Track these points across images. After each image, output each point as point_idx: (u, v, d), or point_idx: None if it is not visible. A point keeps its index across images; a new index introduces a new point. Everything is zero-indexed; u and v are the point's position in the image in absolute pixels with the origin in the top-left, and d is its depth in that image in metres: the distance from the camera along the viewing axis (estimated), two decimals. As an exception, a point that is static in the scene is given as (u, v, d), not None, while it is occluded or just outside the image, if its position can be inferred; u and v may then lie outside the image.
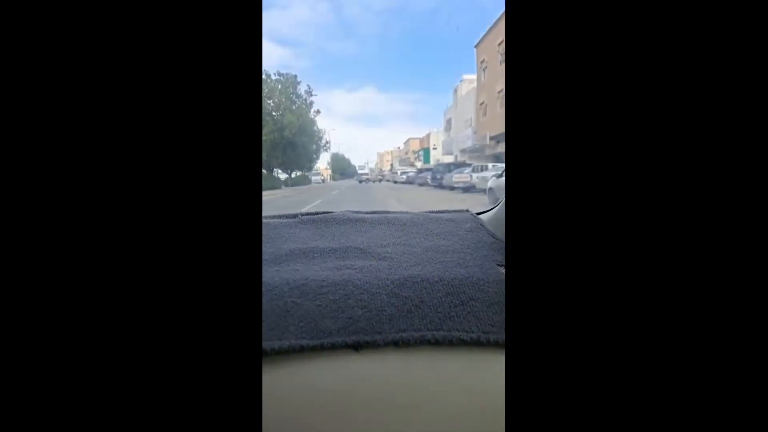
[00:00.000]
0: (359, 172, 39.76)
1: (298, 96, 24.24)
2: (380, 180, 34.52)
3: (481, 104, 21.30)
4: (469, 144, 23.74)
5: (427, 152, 43.13)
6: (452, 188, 13.33)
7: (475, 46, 22.32)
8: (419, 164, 42.67)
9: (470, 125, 23.65)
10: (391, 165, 69.68)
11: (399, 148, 75.26)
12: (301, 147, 24.63)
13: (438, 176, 16.06)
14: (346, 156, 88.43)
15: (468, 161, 18.09)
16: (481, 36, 21.48)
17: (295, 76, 24.18)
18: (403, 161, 58.97)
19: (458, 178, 13.03)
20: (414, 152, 51.56)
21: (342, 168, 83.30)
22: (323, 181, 35.13)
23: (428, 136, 43.66)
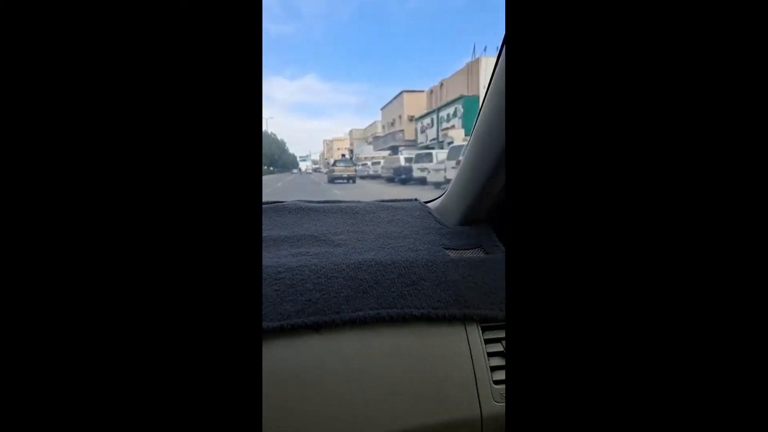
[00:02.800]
0: (338, 160, 21.44)
1: None
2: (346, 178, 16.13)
3: None
4: None
5: (471, 103, 17.77)
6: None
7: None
8: (457, 134, 17.32)
9: None
10: (350, 151, 44.83)
11: (351, 131, 50.34)
12: None
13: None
14: (280, 138, 59.91)
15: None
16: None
17: None
18: (378, 141, 33.53)
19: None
20: (414, 119, 25.77)
21: (272, 156, 57.14)
22: None
23: (473, 65, 18.73)
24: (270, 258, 0.50)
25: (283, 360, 0.38)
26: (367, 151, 36.47)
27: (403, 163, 14.35)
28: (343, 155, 31.73)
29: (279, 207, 0.70)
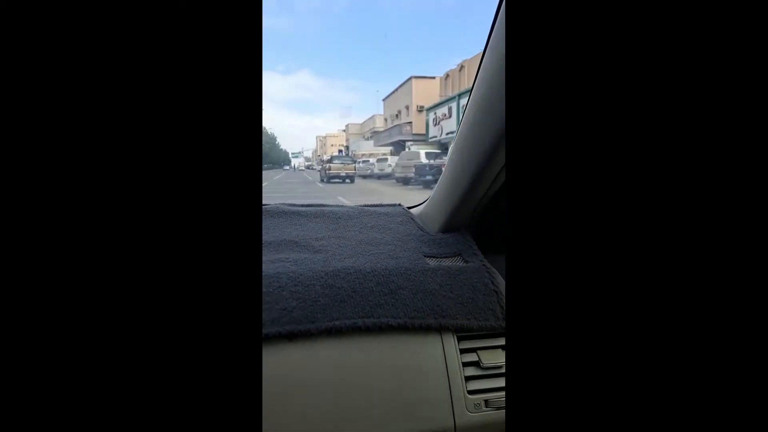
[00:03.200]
0: (334, 156, 18.13)
1: None
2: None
3: None
4: None
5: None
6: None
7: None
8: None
9: None
10: (346, 148, 40.98)
11: (348, 125, 46.43)
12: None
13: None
14: (270, 131, 55.62)
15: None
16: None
17: None
18: (380, 136, 29.75)
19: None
20: (425, 109, 21.76)
21: (263, 150, 52.73)
22: None
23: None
24: None
25: None
26: (366, 147, 32.75)
27: (424, 159, 10.63)
28: (340, 150, 27.96)
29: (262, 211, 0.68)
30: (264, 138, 50.35)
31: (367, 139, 37.02)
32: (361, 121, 45.97)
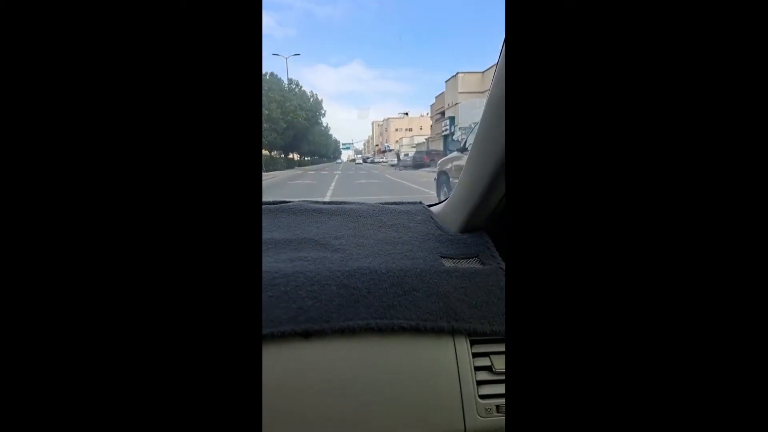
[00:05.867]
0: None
1: None
2: None
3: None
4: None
5: None
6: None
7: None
8: None
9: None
10: (449, 119, 19.99)
11: (458, 76, 25.19)
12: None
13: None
14: (311, 92, 35.02)
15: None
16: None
17: None
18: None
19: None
20: None
21: (296, 124, 32.94)
22: None
23: None
24: (269, 263, 0.50)
25: (271, 367, 0.39)
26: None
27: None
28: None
29: (285, 208, 0.71)
30: (299, 99, 29.56)
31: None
32: (483, 69, 24.26)
